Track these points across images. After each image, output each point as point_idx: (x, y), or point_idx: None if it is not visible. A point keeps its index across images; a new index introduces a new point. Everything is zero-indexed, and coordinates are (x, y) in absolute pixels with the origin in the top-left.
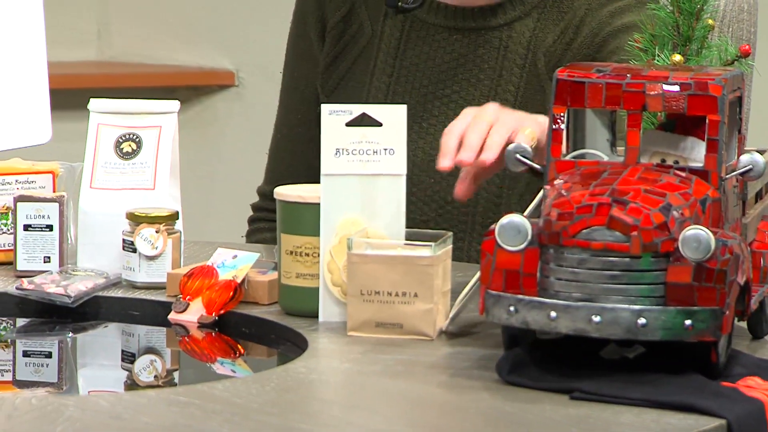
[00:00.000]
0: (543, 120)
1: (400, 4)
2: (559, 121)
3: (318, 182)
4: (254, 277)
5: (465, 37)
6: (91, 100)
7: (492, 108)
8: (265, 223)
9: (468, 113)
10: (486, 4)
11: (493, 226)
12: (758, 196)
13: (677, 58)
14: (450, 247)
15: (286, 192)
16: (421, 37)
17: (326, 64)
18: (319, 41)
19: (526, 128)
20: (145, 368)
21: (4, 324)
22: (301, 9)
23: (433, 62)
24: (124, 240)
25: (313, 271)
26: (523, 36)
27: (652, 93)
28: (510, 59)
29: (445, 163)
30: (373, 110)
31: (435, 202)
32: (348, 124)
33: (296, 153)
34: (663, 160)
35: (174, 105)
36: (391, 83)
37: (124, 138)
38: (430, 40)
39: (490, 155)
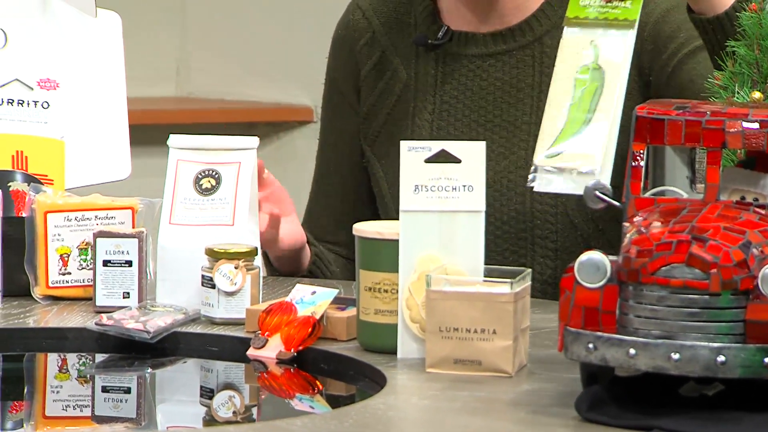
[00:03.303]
0: None
1: (429, 41)
2: (638, 158)
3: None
4: (333, 313)
5: (498, 61)
6: (171, 136)
7: None
8: None
9: None
10: (513, 24)
11: (572, 263)
12: None
13: (757, 95)
14: (529, 284)
15: (364, 228)
16: (456, 69)
17: (364, 114)
18: (354, 93)
19: None
20: (224, 404)
21: (84, 359)
22: (333, 64)
23: (471, 92)
24: (203, 276)
25: (391, 308)
26: (554, 49)
27: (731, 130)
28: (547, 74)
29: None
30: (452, 147)
31: (491, 224)
32: (427, 161)
33: (329, 206)
34: (743, 198)
35: (253, 141)
36: (434, 119)
37: (203, 174)
38: (465, 71)
39: None
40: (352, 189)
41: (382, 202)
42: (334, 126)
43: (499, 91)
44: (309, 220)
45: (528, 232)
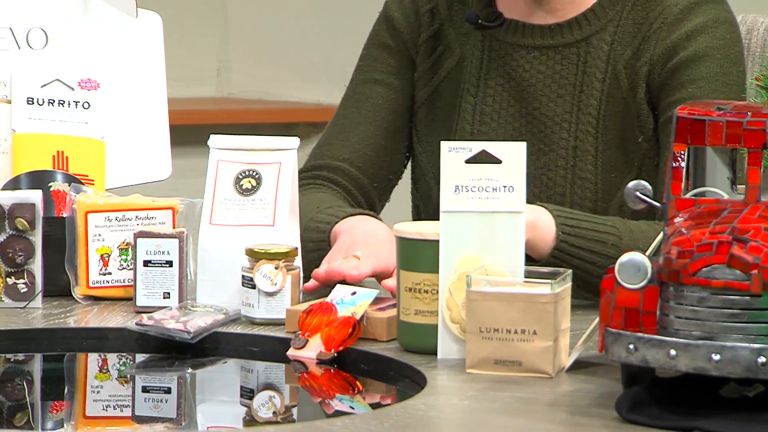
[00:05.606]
0: None
1: (480, 21)
2: (679, 158)
3: (352, 166)
4: (373, 313)
5: (543, 55)
6: (211, 136)
7: None
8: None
9: None
10: (562, 20)
11: (612, 264)
12: None
13: None
14: (569, 284)
15: (405, 229)
16: (501, 56)
17: (419, 74)
18: (414, 46)
19: None
20: (264, 404)
21: (124, 359)
22: (397, 14)
23: (514, 81)
24: (243, 276)
25: (431, 308)
26: (601, 50)
27: None
28: (590, 74)
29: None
30: (492, 147)
31: None
32: (467, 162)
33: (345, 130)
34: None
35: (293, 141)
36: (477, 103)
37: (243, 174)
38: (509, 60)
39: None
40: (399, 125)
41: (423, 181)
42: (385, 62)
43: (540, 84)
44: (333, 144)
45: None
